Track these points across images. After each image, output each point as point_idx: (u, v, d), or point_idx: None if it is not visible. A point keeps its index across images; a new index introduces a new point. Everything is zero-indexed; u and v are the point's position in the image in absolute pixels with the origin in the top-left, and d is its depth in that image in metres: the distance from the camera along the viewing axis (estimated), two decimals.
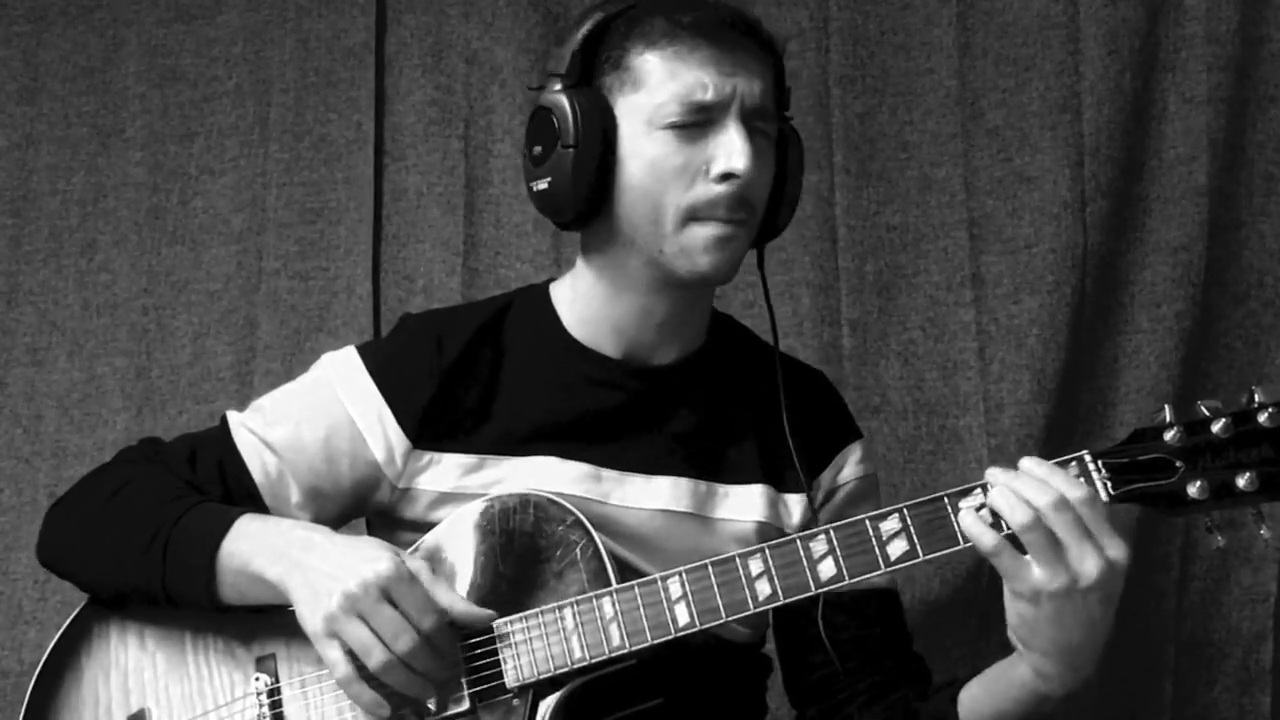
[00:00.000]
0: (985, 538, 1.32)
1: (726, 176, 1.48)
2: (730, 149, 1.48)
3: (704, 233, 1.50)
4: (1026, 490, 1.31)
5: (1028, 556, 1.31)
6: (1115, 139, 2.24)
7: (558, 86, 1.52)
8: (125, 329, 2.37)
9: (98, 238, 2.40)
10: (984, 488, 1.36)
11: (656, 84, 1.49)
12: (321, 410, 1.57)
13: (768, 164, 1.54)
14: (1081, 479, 1.34)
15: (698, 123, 1.49)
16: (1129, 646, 2.22)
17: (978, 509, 1.35)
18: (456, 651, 1.43)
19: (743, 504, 1.61)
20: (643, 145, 1.50)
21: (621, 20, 1.53)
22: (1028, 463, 1.34)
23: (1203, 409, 1.35)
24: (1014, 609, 1.35)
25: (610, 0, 1.55)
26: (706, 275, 1.52)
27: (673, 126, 1.49)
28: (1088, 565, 1.30)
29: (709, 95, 1.48)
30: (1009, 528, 1.31)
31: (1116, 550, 1.31)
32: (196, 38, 2.41)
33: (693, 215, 1.50)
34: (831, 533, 1.40)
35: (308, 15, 2.39)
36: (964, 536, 1.36)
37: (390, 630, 1.37)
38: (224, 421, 1.60)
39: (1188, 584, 2.24)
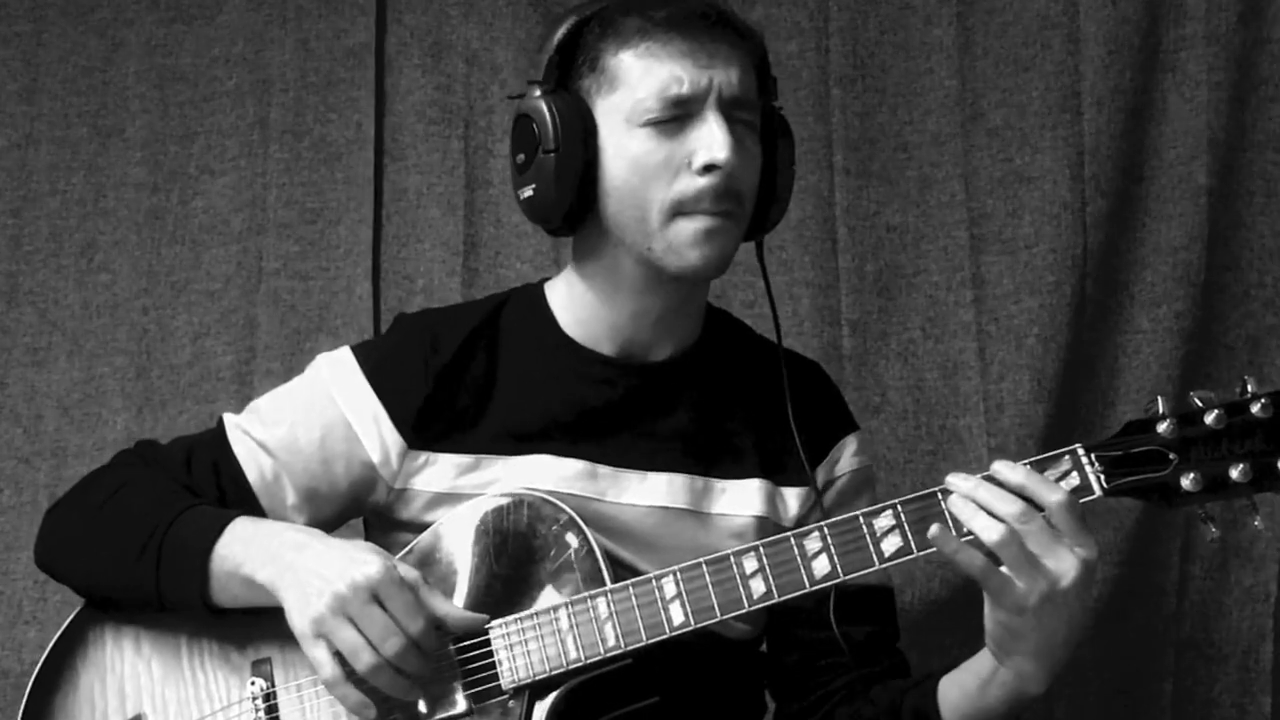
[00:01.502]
0: (975, 562, 1.33)
1: (709, 168, 1.48)
2: (711, 140, 1.48)
3: (691, 226, 1.50)
4: (994, 503, 1.33)
5: (1004, 569, 1.32)
6: (1115, 139, 2.23)
7: (536, 93, 1.53)
8: (125, 329, 2.37)
9: (98, 238, 2.40)
10: (944, 493, 1.37)
11: (633, 82, 1.49)
12: (317, 411, 1.57)
13: (751, 153, 1.54)
14: (1063, 480, 1.35)
15: (676, 117, 1.49)
16: (1129, 646, 2.22)
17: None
18: (447, 655, 1.43)
19: (740, 499, 1.61)
20: (624, 144, 1.50)
21: (595, 22, 1.53)
22: (1000, 466, 1.36)
23: (1195, 400, 1.36)
24: (996, 619, 1.36)
25: (584, 3, 1.55)
26: (697, 269, 1.52)
27: (652, 123, 1.49)
28: (1064, 565, 1.32)
29: (685, 89, 1.48)
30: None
31: (1087, 550, 1.33)
32: (196, 38, 2.41)
33: (679, 210, 1.50)
34: (825, 530, 1.40)
35: (308, 15, 2.39)
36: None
37: (378, 633, 1.37)
38: (220, 424, 1.60)
39: (1188, 584, 2.23)
